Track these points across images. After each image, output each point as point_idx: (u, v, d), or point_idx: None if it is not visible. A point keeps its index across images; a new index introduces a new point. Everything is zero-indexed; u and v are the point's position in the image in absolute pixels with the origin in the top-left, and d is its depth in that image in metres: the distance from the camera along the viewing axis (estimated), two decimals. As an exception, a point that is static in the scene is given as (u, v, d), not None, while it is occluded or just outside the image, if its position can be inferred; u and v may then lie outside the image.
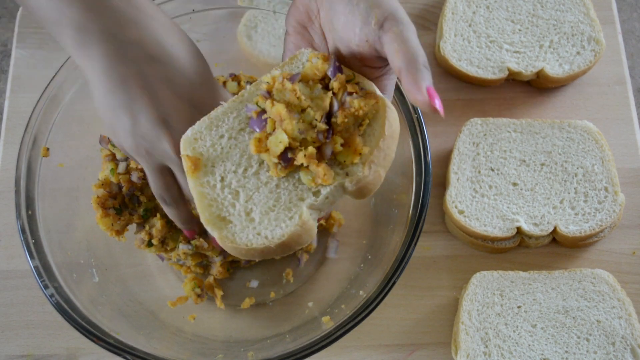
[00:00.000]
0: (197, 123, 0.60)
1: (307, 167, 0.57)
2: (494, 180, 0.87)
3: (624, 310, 0.81)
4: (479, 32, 0.95)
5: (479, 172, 0.88)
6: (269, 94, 0.59)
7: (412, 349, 0.84)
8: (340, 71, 0.59)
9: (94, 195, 0.77)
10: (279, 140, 0.56)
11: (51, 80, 0.78)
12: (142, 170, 0.78)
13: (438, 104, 0.55)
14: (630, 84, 0.97)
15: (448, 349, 0.83)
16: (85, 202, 0.79)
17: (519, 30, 0.95)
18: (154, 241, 0.78)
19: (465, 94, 0.96)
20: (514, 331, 0.80)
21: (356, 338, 0.84)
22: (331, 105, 0.58)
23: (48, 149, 0.77)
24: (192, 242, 0.78)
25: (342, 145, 0.57)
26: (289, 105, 0.58)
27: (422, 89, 0.55)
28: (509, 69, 0.92)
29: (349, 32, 0.59)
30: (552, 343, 0.80)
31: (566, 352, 0.79)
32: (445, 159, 0.92)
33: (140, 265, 0.85)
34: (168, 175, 0.66)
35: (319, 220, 0.85)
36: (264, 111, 0.59)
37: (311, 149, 0.56)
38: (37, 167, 0.77)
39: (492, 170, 0.88)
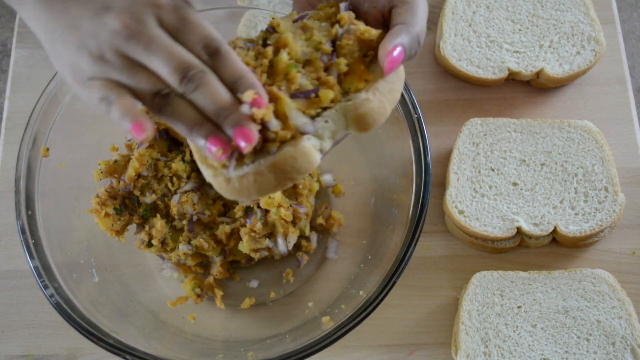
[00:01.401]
0: None
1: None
2: (494, 180, 0.87)
3: (624, 310, 0.81)
4: (479, 32, 0.95)
5: (479, 172, 0.88)
6: (273, 29, 0.58)
7: (412, 349, 0.84)
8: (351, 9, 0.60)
9: (94, 195, 0.77)
10: (281, 60, 0.55)
11: (51, 80, 0.78)
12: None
13: (392, 62, 0.55)
14: (630, 84, 0.97)
15: (448, 349, 0.83)
16: (85, 202, 0.79)
17: (519, 30, 0.95)
18: (154, 241, 0.78)
19: (465, 94, 0.96)
20: (514, 331, 0.80)
21: (356, 338, 0.84)
22: (336, 34, 0.58)
23: (48, 149, 0.77)
24: (192, 242, 0.78)
25: (346, 72, 0.57)
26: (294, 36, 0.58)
27: (391, 43, 0.56)
28: (509, 69, 0.92)
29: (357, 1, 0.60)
30: (552, 343, 0.80)
31: (566, 352, 0.79)
32: (445, 159, 0.92)
33: (140, 265, 0.85)
34: (140, 68, 0.53)
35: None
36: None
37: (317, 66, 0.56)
38: (37, 167, 0.77)
39: (492, 170, 0.88)
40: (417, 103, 0.76)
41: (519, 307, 0.82)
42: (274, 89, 0.54)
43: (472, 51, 0.94)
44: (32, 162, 0.76)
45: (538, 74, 0.93)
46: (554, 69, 0.92)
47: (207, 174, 0.55)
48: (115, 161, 0.79)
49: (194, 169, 0.81)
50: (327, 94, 0.55)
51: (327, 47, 0.57)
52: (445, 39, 0.95)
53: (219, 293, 0.83)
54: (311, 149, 0.54)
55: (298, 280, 0.86)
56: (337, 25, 0.58)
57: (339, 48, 0.57)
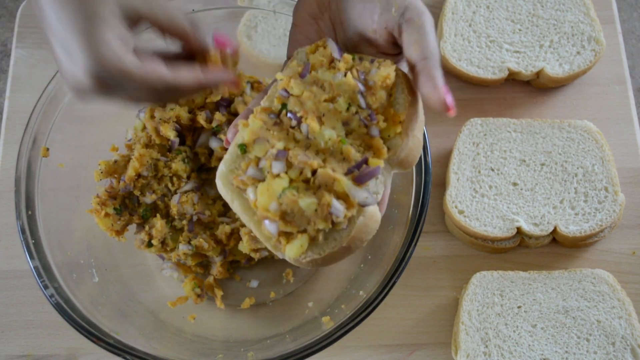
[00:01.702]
0: (227, 155, 0.59)
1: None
2: (494, 180, 0.87)
3: (624, 310, 0.81)
4: (479, 32, 0.95)
5: (479, 172, 0.88)
6: (287, 92, 0.59)
7: (412, 349, 0.84)
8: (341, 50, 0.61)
9: (94, 195, 0.77)
10: (328, 137, 0.56)
11: (51, 80, 0.78)
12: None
13: (450, 101, 0.55)
14: (630, 84, 0.97)
15: (448, 349, 0.83)
16: (85, 202, 0.79)
17: (519, 30, 0.95)
18: (154, 241, 0.78)
19: (465, 93, 0.96)
20: (514, 331, 0.80)
21: (356, 338, 0.84)
22: (356, 88, 0.58)
23: (48, 149, 0.77)
24: (192, 242, 0.78)
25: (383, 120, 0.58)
26: (315, 101, 0.58)
27: (439, 86, 0.55)
28: (509, 69, 0.92)
29: (367, 19, 0.60)
30: (552, 343, 0.80)
31: (566, 352, 0.79)
32: (445, 159, 0.92)
33: (140, 265, 0.85)
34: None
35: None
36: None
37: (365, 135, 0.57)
38: (37, 167, 0.77)
39: (492, 170, 0.88)
40: (417, 103, 0.76)
41: (519, 307, 0.81)
42: (330, 171, 0.55)
43: (472, 51, 0.94)
44: (32, 162, 0.76)
45: (538, 74, 0.93)
46: (554, 69, 0.92)
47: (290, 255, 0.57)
48: (115, 161, 0.79)
49: (194, 169, 0.81)
50: (377, 162, 0.56)
51: (365, 110, 0.57)
52: (445, 39, 0.95)
53: (219, 293, 0.83)
54: (375, 209, 0.57)
55: (298, 280, 0.86)
56: (350, 75, 0.58)
57: (370, 104, 0.58)
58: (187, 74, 0.60)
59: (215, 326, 0.83)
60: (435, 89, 0.55)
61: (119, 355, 0.70)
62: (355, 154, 0.56)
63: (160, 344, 0.77)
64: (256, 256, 0.79)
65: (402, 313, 0.85)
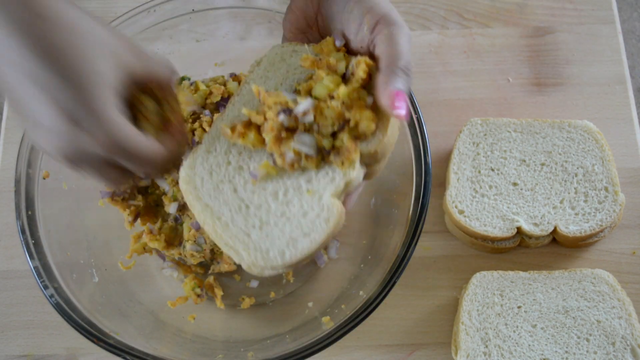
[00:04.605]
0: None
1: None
2: (494, 180, 0.87)
3: (624, 310, 0.81)
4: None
5: (479, 172, 0.88)
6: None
7: (412, 349, 0.84)
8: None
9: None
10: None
11: (51, 80, 0.78)
12: None
13: (399, 109, 0.56)
14: (630, 84, 0.97)
15: (448, 349, 0.83)
16: (85, 202, 0.79)
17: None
18: (159, 239, 0.79)
19: (465, 94, 0.96)
20: (514, 331, 0.80)
21: (356, 338, 0.84)
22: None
23: (49, 174, 0.78)
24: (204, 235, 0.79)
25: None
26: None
27: (387, 91, 0.56)
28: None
29: (349, 36, 0.60)
30: (552, 343, 0.79)
31: (566, 352, 0.79)
32: (445, 159, 0.92)
33: (140, 265, 0.85)
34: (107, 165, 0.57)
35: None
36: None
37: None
38: (37, 167, 0.77)
39: (492, 170, 0.88)
40: (417, 103, 0.76)
41: (519, 307, 0.81)
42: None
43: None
44: (32, 162, 0.76)
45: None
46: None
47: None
48: None
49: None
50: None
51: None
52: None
53: (219, 293, 0.83)
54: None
55: (298, 280, 0.86)
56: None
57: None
58: (161, 151, 0.59)
59: (215, 326, 0.83)
60: (384, 94, 0.56)
61: (119, 355, 0.70)
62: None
63: (160, 344, 0.77)
64: None
65: (402, 313, 0.85)
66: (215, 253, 0.81)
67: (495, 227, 0.85)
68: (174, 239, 0.81)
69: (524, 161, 0.88)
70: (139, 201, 0.81)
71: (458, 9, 1.01)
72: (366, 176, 0.62)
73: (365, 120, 0.58)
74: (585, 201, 0.86)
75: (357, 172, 0.59)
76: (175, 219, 0.81)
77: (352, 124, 0.58)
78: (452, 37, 0.99)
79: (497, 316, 0.81)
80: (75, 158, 0.54)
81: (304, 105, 0.58)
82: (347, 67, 0.61)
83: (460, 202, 0.86)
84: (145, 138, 0.56)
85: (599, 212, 0.85)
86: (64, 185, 0.80)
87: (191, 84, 0.85)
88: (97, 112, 0.52)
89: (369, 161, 0.60)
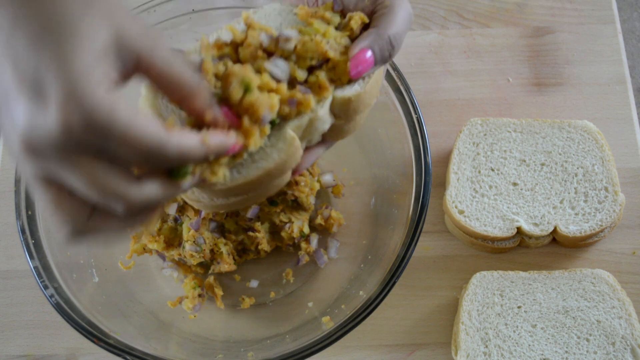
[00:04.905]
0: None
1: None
2: (494, 180, 0.87)
3: (624, 310, 0.81)
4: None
5: (479, 172, 0.88)
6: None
7: (412, 349, 0.84)
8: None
9: None
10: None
11: (51, 80, 0.78)
12: None
13: (357, 67, 0.57)
14: (630, 84, 0.97)
15: (448, 349, 0.83)
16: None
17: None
18: (158, 240, 0.79)
19: (465, 94, 0.96)
20: (514, 331, 0.80)
21: (356, 338, 0.84)
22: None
23: None
24: (204, 235, 0.79)
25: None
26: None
27: (360, 45, 0.58)
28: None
29: (347, 8, 0.62)
30: (552, 343, 0.79)
31: (566, 352, 0.79)
32: (445, 159, 0.92)
33: (140, 265, 0.85)
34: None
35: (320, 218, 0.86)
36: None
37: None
38: (37, 167, 0.77)
39: (492, 170, 0.88)
40: (417, 103, 0.76)
41: (519, 307, 0.81)
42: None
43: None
44: (32, 162, 0.76)
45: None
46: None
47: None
48: None
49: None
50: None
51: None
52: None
53: (219, 293, 0.83)
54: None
55: (298, 280, 0.86)
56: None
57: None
58: (193, 143, 0.46)
59: (215, 326, 0.83)
60: (358, 45, 0.57)
61: (119, 355, 0.70)
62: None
63: (160, 344, 0.77)
64: (267, 248, 0.80)
65: (402, 313, 0.85)
66: (215, 253, 0.81)
67: (495, 227, 0.85)
68: (173, 239, 0.81)
69: (524, 161, 0.88)
70: None
71: (458, 9, 1.01)
72: (332, 135, 0.61)
73: (343, 65, 0.58)
74: (585, 201, 0.86)
75: (323, 113, 0.58)
76: (175, 220, 0.81)
77: (330, 65, 0.58)
78: (452, 37, 0.99)
79: (497, 316, 0.81)
80: (31, 154, 0.41)
81: (288, 31, 0.58)
82: (340, 24, 0.61)
83: (460, 202, 0.86)
84: (164, 126, 0.44)
85: (599, 212, 0.85)
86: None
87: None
88: (72, 82, 0.39)
89: (340, 112, 0.59)
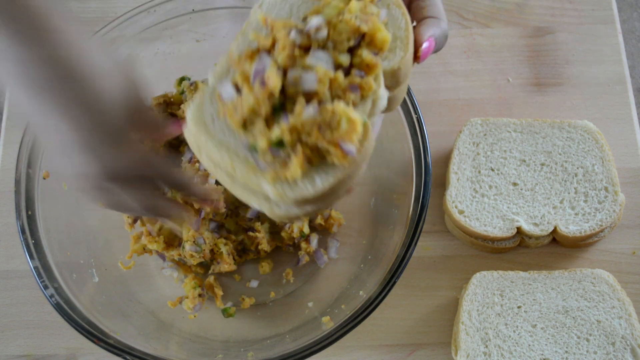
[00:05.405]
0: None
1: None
2: (494, 180, 0.87)
3: (624, 310, 0.81)
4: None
5: (479, 172, 0.88)
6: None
7: (412, 349, 0.84)
8: None
9: None
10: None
11: (51, 80, 0.78)
12: None
13: (425, 50, 0.60)
14: (630, 84, 0.97)
15: (448, 349, 0.83)
16: (85, 202, 0.79)
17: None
18: (158, 240, 0.79)
19: (465, 94, 0.96)
20: (514, 331, 0.80)
21: (356, 338, 0.84)
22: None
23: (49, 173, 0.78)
24: (205, 235, 0.79)
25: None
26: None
27: (429, 34, 0.60)
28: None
29: None
30: (552, 343, 0.79)
31: (566, 352, 0.79)
32: (445, 159, 0.92)
33: (140, 265, 0.85)
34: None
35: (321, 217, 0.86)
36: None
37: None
38: (37, 168, 0.77)
39: (492, 170, 0.88)
40: (417, 103, 0.76)
41: (519, 307, 0.81)
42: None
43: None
44: (32, 162, 0.76)
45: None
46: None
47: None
48: None
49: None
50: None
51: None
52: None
53: (219, 293, 0.83)
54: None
55: (298, 280, 0.86)
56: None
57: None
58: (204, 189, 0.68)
59: (215, 326, 0.83)
60: (427, 33, 0.60)
61: (119, 355, 0.70)
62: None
63: (160, 343, 0.77)
64: (267, 248, 0.81)
65: (402, 313, 0.85)
66: (215, 253, 0.81)
67: (495, 227, 0.85)
68: (173, 240, 0.81)
69: (524, 161, 0.88)
70: None
71: (458, 9, 1.01)
72: (388, 106, 0.59)
73: (380, 32, 0.56)
74: (585, 201, 0.86)
75: (382, 91, 0.56)
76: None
77: (367, 39, 0.56)
78: (452, 37, 0.99)
79: (497, 316, 0.81)
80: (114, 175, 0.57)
81: (315, 20, 0.55)
82: None
83: (460, 202, 0.86)
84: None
85: (599, 212, 0.85)
86: (64, 186, 0.80)
87: (191, 84, 0.85)
88: (121, 137, 0.56)
89: (391, 83, 0.58)
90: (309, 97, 0.53)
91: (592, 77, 0.97)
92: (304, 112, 0.52)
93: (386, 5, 0.60)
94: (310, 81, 0.53)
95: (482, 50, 0.98)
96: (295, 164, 0.51)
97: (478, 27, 1.00)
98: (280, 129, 0.52)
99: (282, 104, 0.53)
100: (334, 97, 0.54)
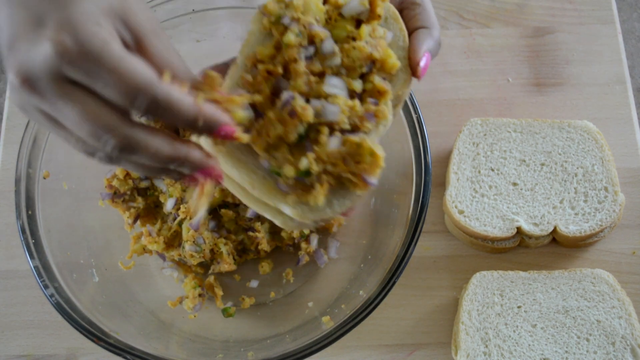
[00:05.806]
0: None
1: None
2: (494, 180, 0.87)
3: (624, 310, 0.81)
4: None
5: (479, 172, 0.88)
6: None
7: (412, 349, 0.84)
8: None
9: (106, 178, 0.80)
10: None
11: (51, 80, 0.78)
12: None
13: (423, 66, 0.59)
14: (630, 84, 0.97)
15: (448, 349, 0.83)
16: (85, 202, 0.79)
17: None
18: (158, 241, 0.79)
19: (465, 94, 0.96)
20: (514, 331, 0.80)
21: (356, 338, 0.84)
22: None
23: (49, 173, 0.78)
24: (205, 234, 0.79)
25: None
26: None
27: (423, 50, 0.59)
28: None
29: None
30: (552, 343, 0.80)
31: (566, 352, 0.79)
32: (445, 159, 0.92)
33: (140, 265, 0.85)
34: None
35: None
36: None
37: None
38: (37, 167, 0.77)
39: (492, 170, 0.88)
40: (417, 103, 0.76)
41: (519, 307, 0.81)
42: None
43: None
44: (32, 162, 0.76)
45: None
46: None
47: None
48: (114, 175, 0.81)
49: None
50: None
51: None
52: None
53: (219, 293, 0.83)
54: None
55: (298, 280, 0.86)
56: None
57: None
58: (185, 97, 0.46)
59: (215, 326, 0.83)
60: (421, 49, 0.59)
61: (119, 355, 0.70)
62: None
63: (160, 343, 0.77)
64: (267, 248, 0.81)
65: (402, 313, 0.85)
66: (215, 253, 0.81)
67: (495, 227, 0.85)
68: (173, 239, 0.81)
69: (524, 161, 0.88)
70: (139, 203, 0.81)
71: (458, 9, 1.01)
72: None
73: (391, 58, 0.57)
74: (585, 201, 0.86)
75: (390, 115, 0.57)
76: (175, 219, 0.81)
77: (378, 64, 0.57)
78: (452, 37, 0.99)
79: (497, 316, 0.81)
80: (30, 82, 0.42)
81: (328, 45, 0.56)
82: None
83: (460, 202, 0.86)
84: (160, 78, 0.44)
85: (599, 212, 0.85)
86: (64, 185, 0.80)
87: (191, 84, 0.85)
88: (71, 15, 0.42)
89: (394, 102, 0.59)
90: (330, 124, 0.55)
91: (592, 77, 0.97)
92: (329, 143, 0.54)
93: (384, 19, 0.60)
94: (333, 113, 0.55)
95: (482, 50, 0.98)
96: (320, 193, 0.54)
97: (478, 27, 1.00)
98: (307, 160, 0.53)
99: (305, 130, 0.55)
100: (352, 124, 0.56)
